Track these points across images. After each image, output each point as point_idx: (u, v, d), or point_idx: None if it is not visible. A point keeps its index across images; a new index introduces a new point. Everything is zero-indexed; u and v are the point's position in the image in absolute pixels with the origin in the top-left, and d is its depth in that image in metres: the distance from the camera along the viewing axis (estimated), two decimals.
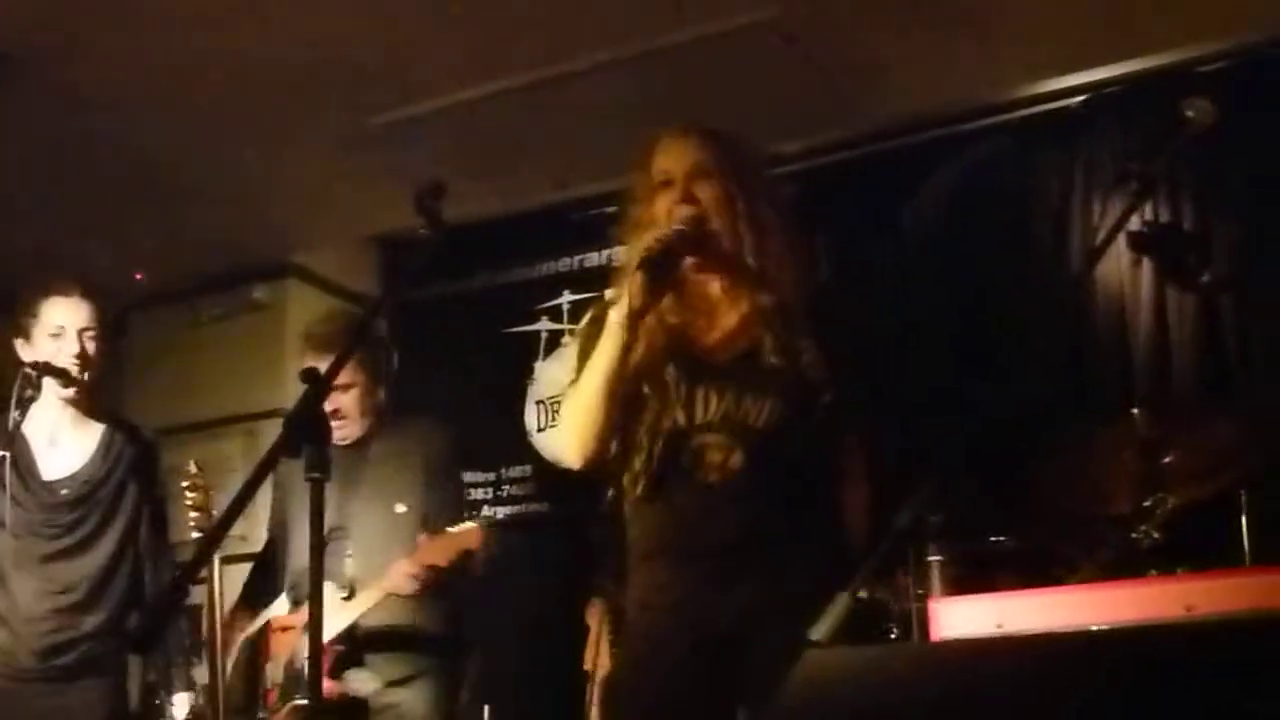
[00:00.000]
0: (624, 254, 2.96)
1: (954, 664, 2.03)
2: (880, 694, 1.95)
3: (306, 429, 2.24)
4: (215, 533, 3.66)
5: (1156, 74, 4.86)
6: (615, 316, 2.75)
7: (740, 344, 2.87)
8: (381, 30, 4.51)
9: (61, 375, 3.96)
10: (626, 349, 2.76)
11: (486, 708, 5.26)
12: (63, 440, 4.12)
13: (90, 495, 4.08)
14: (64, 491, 4.06)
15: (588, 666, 4.81)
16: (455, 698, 4.23)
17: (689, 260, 2.83)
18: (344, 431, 4.08)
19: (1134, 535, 3.55)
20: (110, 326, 4.24)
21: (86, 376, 4.03)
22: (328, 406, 3.95)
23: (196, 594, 4.11)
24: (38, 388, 3.91)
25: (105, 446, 4.14)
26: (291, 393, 5.09)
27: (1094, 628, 2.19)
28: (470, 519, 5.54)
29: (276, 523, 4.30)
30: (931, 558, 3.72)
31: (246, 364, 6.18)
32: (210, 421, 5.61)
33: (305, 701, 3.90)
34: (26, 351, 4.00)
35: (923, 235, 5.30)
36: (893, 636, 3.78)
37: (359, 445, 4.16)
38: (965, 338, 5.00)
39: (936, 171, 5.33)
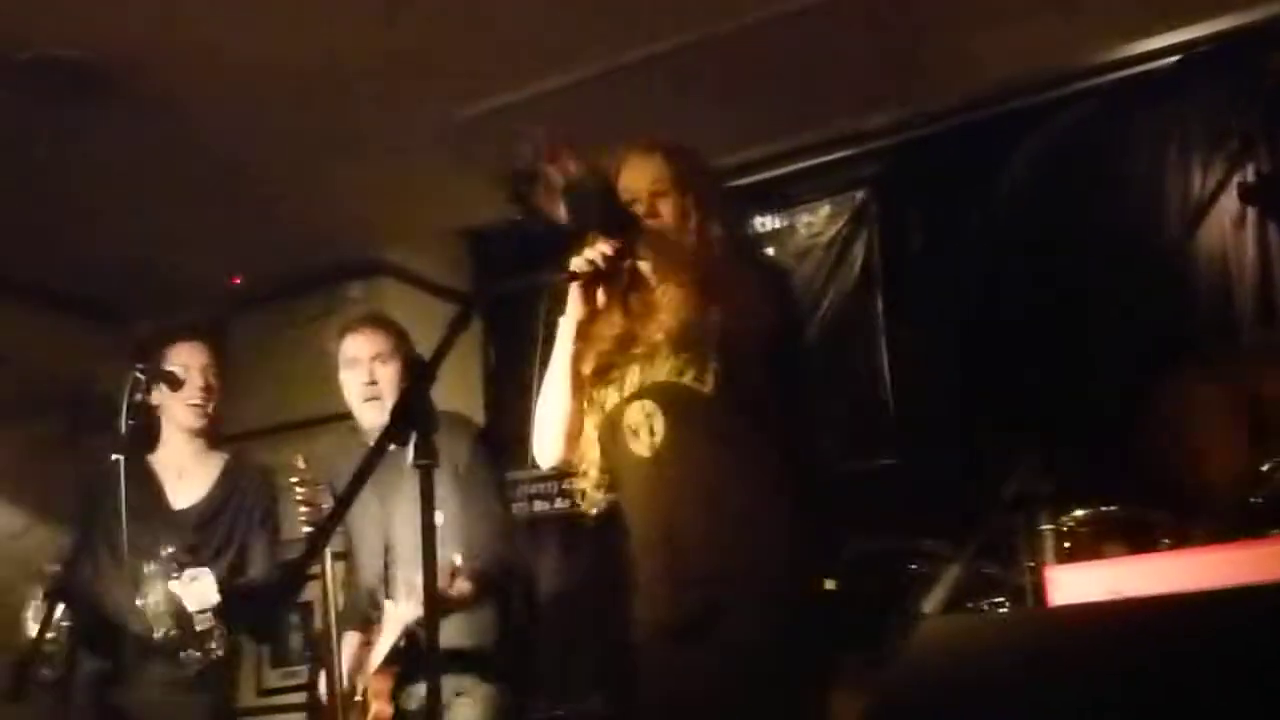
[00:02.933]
0: None
1: (1073, 629, 2.01)
2: (999, 660, 1.94)
3: (413, 417, 2.26)
4: (327, 524, 3.73)
5: (1246, 31, 4.75)
6: (563, 325, 2.92)
7: (673, 343, 2.86)
8: (462, 22, 4.54)
9: (170, 379, 4.07)
10: (575, 354, 2.92)
11: (599, 695, 5.29)
12: (189, 470, 4.29)
13: (214, 519, 4.23)
14: (191, 519, 4.21)
15: None
16: (517, 705, 4.00)
17: (644, 264, 2.89)
18: (382, 414, 3.69)
19: (1249, 500, 3.51)
20: (213, 335, 4.41)
21: (211, 407, 4.25)
22: (365, 379, 3.95)
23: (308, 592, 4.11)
24: (148, 391, 3.99)
25: (227, 476, 4.30)
26: None
27: (1213, 588, 2.15)
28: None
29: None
30: (1043, 527, 3.67)
31: None
32: (311, 420, 5.65)
33: None
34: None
35: (1016, 204, 5.24)
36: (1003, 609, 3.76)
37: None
38: (1062, 308, 4.93)
39: (1029, 139, 5.27)
